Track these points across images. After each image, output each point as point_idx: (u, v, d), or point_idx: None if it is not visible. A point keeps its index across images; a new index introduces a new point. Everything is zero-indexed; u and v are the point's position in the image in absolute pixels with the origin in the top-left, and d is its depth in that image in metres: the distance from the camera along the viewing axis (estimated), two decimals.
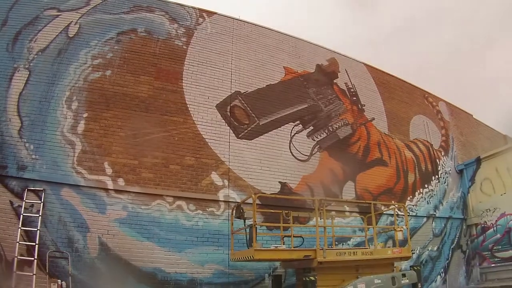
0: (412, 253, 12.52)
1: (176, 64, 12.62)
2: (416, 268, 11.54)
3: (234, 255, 10.57)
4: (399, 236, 11.70)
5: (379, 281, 10.17)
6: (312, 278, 9.22)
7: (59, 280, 9.26)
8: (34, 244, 9.39)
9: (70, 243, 9.79)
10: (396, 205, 13.26)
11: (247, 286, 11.11)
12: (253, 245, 9.37)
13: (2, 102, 10.67)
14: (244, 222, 10.65)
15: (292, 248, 10.15)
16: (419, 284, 11.29)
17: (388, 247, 11.96)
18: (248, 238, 10.37)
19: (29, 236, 9.59)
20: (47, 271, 9.23)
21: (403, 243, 12.37)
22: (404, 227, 11.97)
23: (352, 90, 15.38)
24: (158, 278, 10.22)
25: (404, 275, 10.87)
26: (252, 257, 9.36)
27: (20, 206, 9.76)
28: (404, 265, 12.64)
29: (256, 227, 9.63)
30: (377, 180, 14.54)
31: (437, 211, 16.07)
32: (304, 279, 9.29)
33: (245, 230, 10.48)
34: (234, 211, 10.91)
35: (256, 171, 12.38)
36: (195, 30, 13.35)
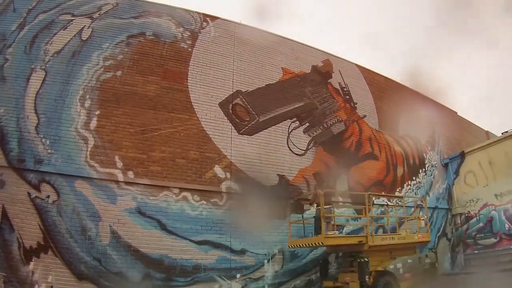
0: None
1: (181, 65, 12.53)
2: (434, 251, 12.95)
3: (293, 243, 11.11)
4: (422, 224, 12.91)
5: (411, 260, 11.39)
6: (366, 259, 9.95)
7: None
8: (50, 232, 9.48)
9: (83, 231, 9.76)
10: (419, 198, 14.39)
11: (248, 271, 11.06)
12: (322, 232, 10.04)
13: (21, 100, 10.64)
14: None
15: (349, 235, 11.57)
16: (436, 264, 12.45)
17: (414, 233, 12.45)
18: (316, 227, 10.85)
19: (45, 224, 9.59)
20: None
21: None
22: (425, 216, 13.27)
23: (345, 89, 15.28)
24: (165, 264, 10.19)
25: (426, 256, 12.16)
26: (322, 243, 10.36)
27: (37, 197, 9.78)
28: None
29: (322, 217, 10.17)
30: (368, 173, 14.48)
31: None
32: (359, 260, 9.96)
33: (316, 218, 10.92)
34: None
35: (256, 164, 12.30)
36: (199, 34, 13.25)
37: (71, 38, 11.76)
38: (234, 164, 11.98)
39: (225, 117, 12.46)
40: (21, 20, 11.66)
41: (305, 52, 15.14)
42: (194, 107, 12.12)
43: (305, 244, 10.80)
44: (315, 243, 10.58)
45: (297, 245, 11.02)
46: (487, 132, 21.61)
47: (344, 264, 11.45)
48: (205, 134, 11.94)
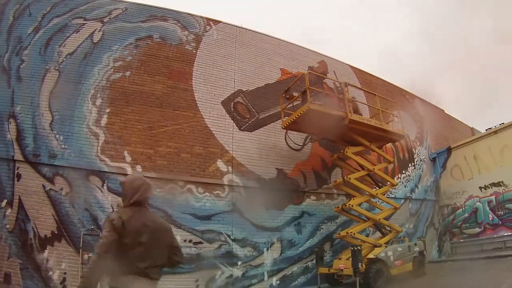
0: None
1: (186, 66, 12.44)
2: (422, 239, 12.75)
3: (285, 122, 11.89)
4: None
5: (401, 249, 11.37)
6: (359, 247, 9.99)
7: (91, 253, 9.21)
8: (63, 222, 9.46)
9: (94, 221, 9.69)
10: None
11: (248, 258, 11.01)
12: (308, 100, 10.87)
13: (36, 99, 10.58)
14: None
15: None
16: (425, 252, 12.35)
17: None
18: None
19: (58, 215, 9.55)
20: (81, 245, 9.19)
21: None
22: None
23: (339, 88, 15.18)
24: None
25: (415, 244, 12.11)
26: (308, 108, 10.82)
27: (51, 189, 9.73)
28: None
29: None
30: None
31: (413, 193, 15.93)
32: (352, 248, 9.94)
33: None
34: None
35: (256, 159, 12.23)
36: (203, 37, 13.15)
37: (83, 41, 11.68)
38: (235, 159, 11.90)
39: (227, 115, 12.38)
40: (36, 24, 11.59)
41: (302, 53, 15.02)
42: (198, 105, 12.03)
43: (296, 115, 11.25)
44: (302, 111, 10.92)
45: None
46: (472, 129, 21.55)
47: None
48: (208, 131, 11.85)
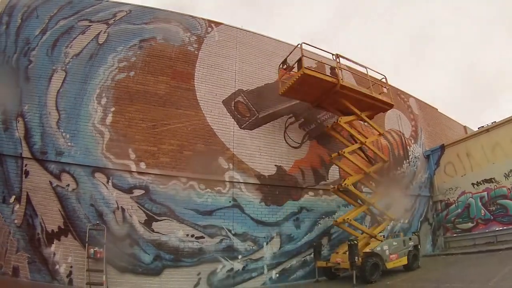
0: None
1: (189, 66, 12.39)
2: (417, 234, 12.65)
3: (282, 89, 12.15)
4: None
5: (396, 243, 11.33)
6: (355, 242, 9.97)
7: (96, 247, 9.18)
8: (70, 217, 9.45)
9: (100, 216, 9.66)
10: None
11: (248, 252, 10.96)
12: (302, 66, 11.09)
13: (43, 98, 10.57)
14: None
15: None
16: (419, 245, 12.29)
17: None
18: None
19: (65, 210, 9.52)
20: (87, 240, 9.11)
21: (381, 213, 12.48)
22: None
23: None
24: (173, 246, 10.09)
25: (410, 239, 12.06)
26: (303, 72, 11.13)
27: (58, 186, 9.71)
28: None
29: None
30: (358, 163, 14.33)
31: (408, 189, 15.89)
32: (349, 243, 9.94)
33: None
34: None
35: (256, 156, 12.18)
36: (204, 38, 13.10)
37: (89, 42, 11.66)
38: (236, 156, 11.85)
39: (228, 113, 12.32)
40: (44, 26, 11.59)
41: (300, 54, 14.92)
42: (200, 104, 11.97)
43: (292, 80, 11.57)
44: (297, 76, 11.17)
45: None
46: (465, 127, 21.52)
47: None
48: (210, 129, 11.79)
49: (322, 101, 12.58)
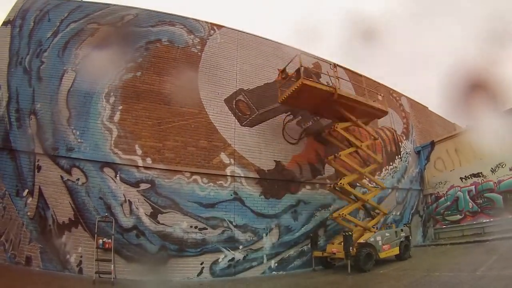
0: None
1: (192, 67, 12.27)
2: (408, 226, 12.71)
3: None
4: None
5: (388, 234, 11.30)
6: (350, 233, 10.09)
7: (105, 238, 9.12)
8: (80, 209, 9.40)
9: (108, 209, 9.59)
10: None
11: (249, 243, 10.89)
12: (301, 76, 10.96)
13: (54, 97, 10.49)
14: None
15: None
16: (410, 236, 12.27)
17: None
18: None
19: (75, 203, 9.46)
20: (96, 231, 9.04)
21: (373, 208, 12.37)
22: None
23: (332, 87, 15.02)
24: (178, 237, 10.02)
25: (402, 230, 12.01)
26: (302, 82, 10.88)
27: (69, 180, 9.64)
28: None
29: None
30: (352, 158, 14.24)
31: (399, 183, 15.77)
32: (344, 234, 10.02)
33: None
34: None
35: (256, 152, 12.07)
36: (207, 40, 12.97)
37: (98, 44, 11.52)
38: (237, 152, 11.76)
39: (230, 111, 12.21)
40: (55, 29, 11.49)
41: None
42: (203, 103, 11.85)
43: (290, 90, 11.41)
44: (296, 86, 10.97)
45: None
46: (454, 124, 21.39)
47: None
48: (212, 126, 11.69)
49: (320, 109, 12.39)
